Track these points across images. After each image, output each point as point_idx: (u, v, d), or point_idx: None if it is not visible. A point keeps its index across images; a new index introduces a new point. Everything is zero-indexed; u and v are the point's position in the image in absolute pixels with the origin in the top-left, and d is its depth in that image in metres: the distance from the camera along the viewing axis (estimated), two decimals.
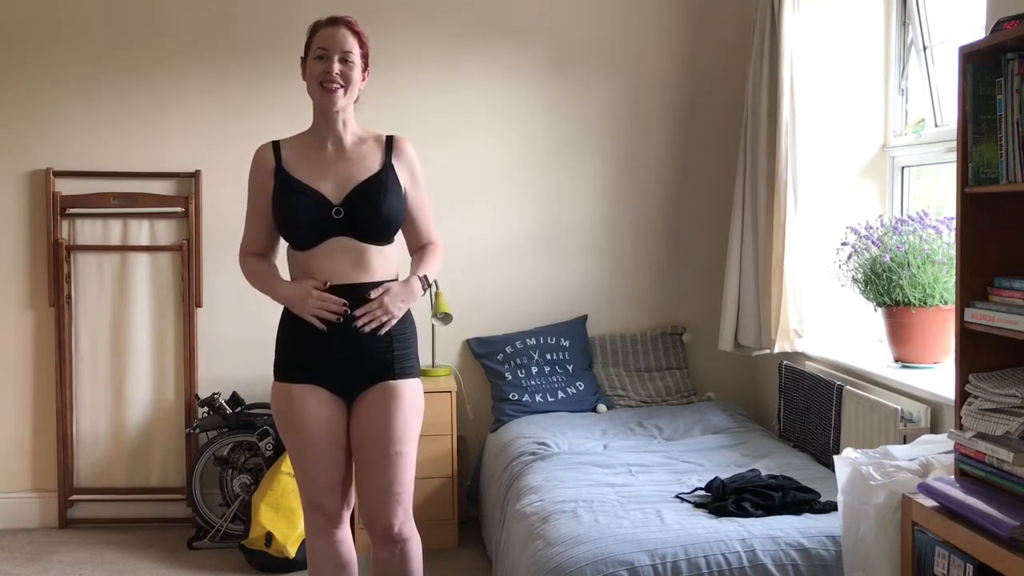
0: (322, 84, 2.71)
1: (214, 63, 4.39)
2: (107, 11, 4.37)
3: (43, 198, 4.37)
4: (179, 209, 4.41)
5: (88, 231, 4.40)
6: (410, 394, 2.77)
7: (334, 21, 2.75)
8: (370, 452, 2.75)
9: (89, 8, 4.36)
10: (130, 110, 4.39)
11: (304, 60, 2.78)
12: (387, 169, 2.77)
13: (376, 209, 2.71)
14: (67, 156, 4.38)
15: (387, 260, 2.78)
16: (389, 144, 2.82)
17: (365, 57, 2.77)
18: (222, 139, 4.42)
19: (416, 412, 2.80)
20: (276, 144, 2.82)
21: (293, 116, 4.22)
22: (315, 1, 4.33)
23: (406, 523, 2.79)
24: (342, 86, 2.71)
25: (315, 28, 2.78)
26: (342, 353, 2.72)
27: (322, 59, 2.71)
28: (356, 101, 2.80)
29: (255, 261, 2.85)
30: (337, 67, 2.70)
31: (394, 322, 2.72)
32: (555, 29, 4.50)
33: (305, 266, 2.74)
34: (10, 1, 4.34)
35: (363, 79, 2.79)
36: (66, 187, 4.39)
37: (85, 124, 4.38)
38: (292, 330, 2.78)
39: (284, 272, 2.86)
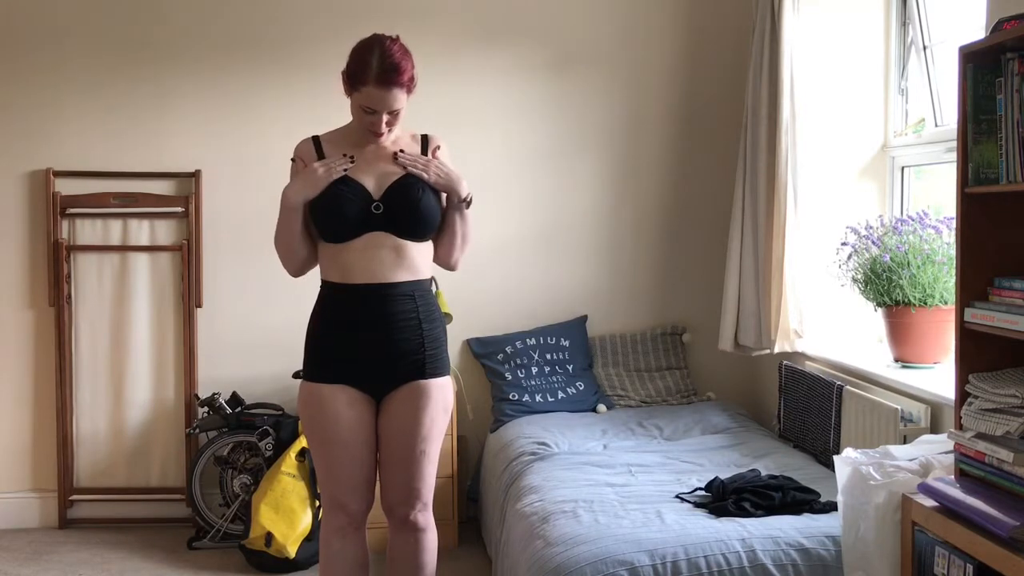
0: (370, 132, 2.73)
1: (214, 63, 4.39)
2: (107, 11, 4.36)
3: (43, 198, 4.37)
4: (179, 209, 4.41)
5: (88, 231, 4.40)
6: (438, 392, 2.81)
7: (384, 81, 2.62)
8: (396, 449, 2.79)
9: (89, 8, 4.36)
10: (130, 110, 4.39)
11: (347, 79, 2.69)
12: None
13: (415, 205, 2.73)
14: (67, 156, 4.38)
15: (423, 258, 2.81)
16: (424, 143, 2.85)
17: (412, 88, 2.72)
18: (222, 139, 4.42)
19: (444, 409, 2.83)
20: (316, 140, 2.82)
21: (294, 115, 4.27)
22: (315, 2, 4.36)
23: (423, 514, 2.86)
24: (388, 132, 2.73)
25: (363, 72, 2.62)
26: (374, 353, 2.74)
27: (370, 113, 2.69)
28: None
29: None
30: (385, 119, 2.69)
31: (423, 175, 2.74)
32: (555, 29, 4.50)
33: (340, 261, 2.74)
34: (10, 1, 4.34)
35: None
36: (66, 187, 4.39)
37: (85, 124, 4.38)
38: (324, 330, 2.79)
39: (311, 280, 2.87)
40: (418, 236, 2.78)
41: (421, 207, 2.74)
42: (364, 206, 2.71)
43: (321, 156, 2.78)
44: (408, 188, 2.74)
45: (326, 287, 2.81)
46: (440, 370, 2.82)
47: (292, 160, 2.82)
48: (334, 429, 2.76)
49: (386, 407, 2.80)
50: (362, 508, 2.85)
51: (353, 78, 2.67)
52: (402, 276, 2.75)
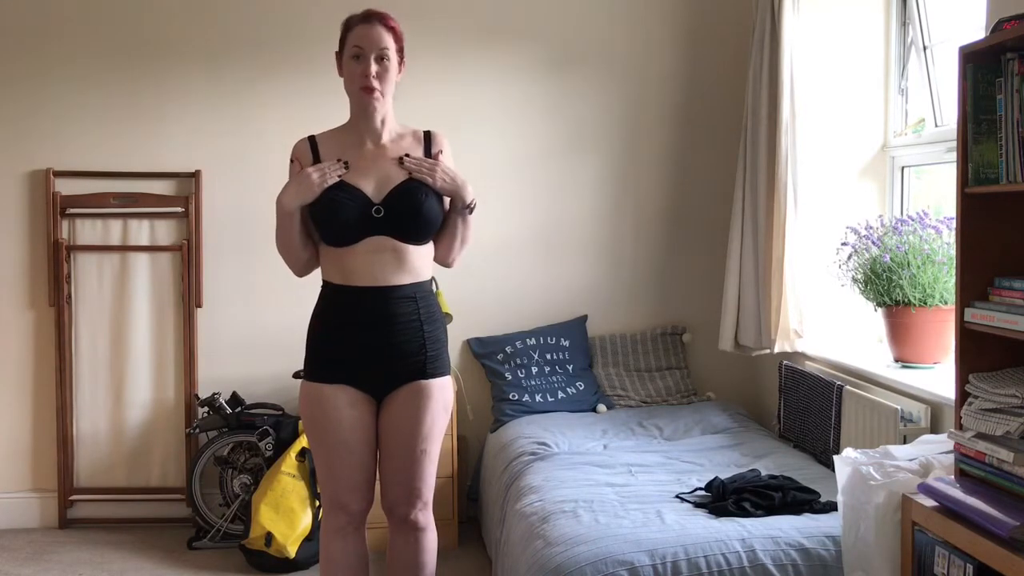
0: (361, 88, 2.70)
1: (214, 63, 4.39)
2: (107, 11, 4.37)
3: (43, 198, 4.37)
4: (179, 209, 4.41)
5: (88, 231, 4.40)
6: (439, 392, 2.80)
7: (368, 18, 2.71)
8: (396, 448, 2.79)
9: (89, 8, 4.36)
10: (130, 110, 4.39)
11: (339, 56, 2.76)
12: None
13: (417, 209, 2.71)
14: (67, 156, 4.38)
15: (424, 259, 2.80)
16: (427, 140, 2.82)
17: (401, 50, 2.75)
18: (222, 139, 4.42)
19: (444, 408, 2.83)
20: (312, 140, 2.80)
21: (294, 115, 4.27)
22: (315, 2, 4.35)
23: (424, 513, 2.85)
24: (379, 88, 2.70)
25: (349, 24, 2.74)
26: (375, 354, 2.74)
27: (358, 59, 2.69)
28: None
29: None
30: (374, 68, 2.68)
31: (428, 181, 2.72)
32: (555, 29, 4.50)
33: (341, 264, 2.74)
34: (10, 0, 4.34)
35: (399, 72, 2.77)
36: (66, 187, 4.39)
37: (85, 124, 4.38)
38: (326, 331, 2.78)
39: (312, 280, 2.88)
40: (420, 240, 2.77)
41: (424, 212, 2.72)
42: (364, 211, 2.69)
43: (317, 156, 2.76)
44: (411, 193, 2.72)
45: (327, 288, 2.80)
46: (441, 370, 2.81)
47: (292, 161, 2.81)
48: (335, 429, 2.75)
49: (387, 407, 2.79)
50: (362, 508, 2.85)
51: (342, 34, 2.73)
52: (403, 279, 2.74)
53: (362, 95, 2.71)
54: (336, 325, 2.76)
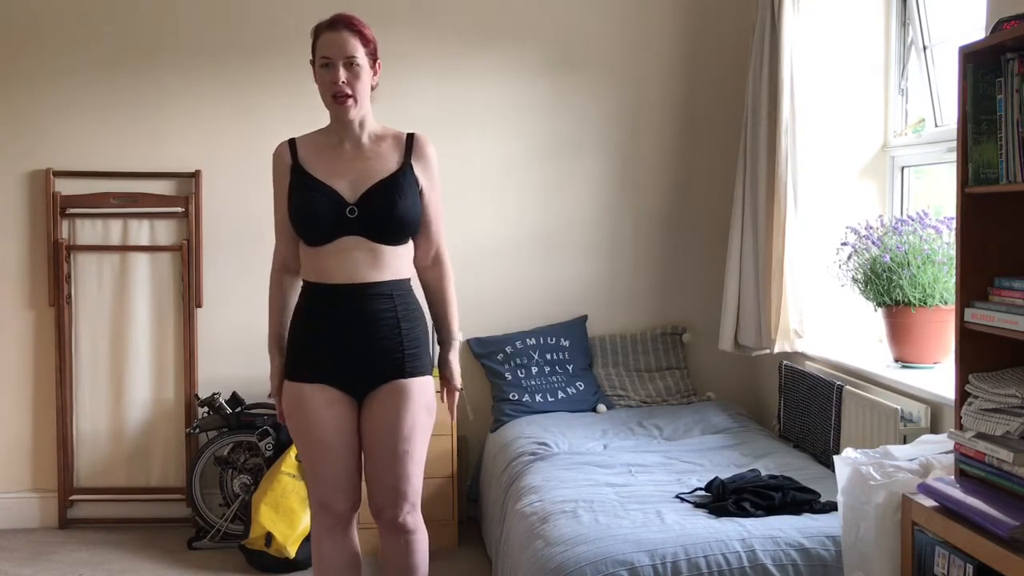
0: (332, 96, 2.68)
1: (214, 63, 4.39)
2: (107, 11, 4.37)
3: (43, 198, 4.38)
4: (179, 209, 4.41)
5: (88, 231, 4.40)
6: (419, 392, 2.77)
7: (334, 24, 2.68)
8: (378, 450, 2.76)
9: (89, 8, 4.36)
10: (130, 110, 4.39)
11: (313, 64, 2.74)
12: (405, 169, 2.75)
13: (391, 210, 2.70)
14: (67, 156, 4.38)
15: (401, 259, 2.77)
16: (409, 143, 2.79)
17: (373, 53, 2.73)
18: (222, 139, 4.42)
19: (426, 408, 2.80)
20: (292, 142, 2.80)
21: (294, 115, 4.25)
22: (316, 2, 4.35)
23: (412, 515, 2.82)
24: (351, 95, 2.68)
25: (317, 32, 2.72)
26: (352, 353, 2.72)
27: (327, 67, 2.67)
28: (372, 93, 2.77)
29: (279, 286, 2.87)
30: (343, 75, 2.65)
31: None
32: (555, 29, 4.50)
33: (317, 264, 2.73)
34: (10, 1, 4.34)
35: (375, 74, 2.75)
36: (66, 187, 4.39)
37: (85, 124, 4.38)
38: (304, 330, 2.78)
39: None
40: (395, 241, 2.74)
41: (398, 213, 2.70)
42: (337, 211, 2.68)
43: (296, 158, 2.76)
44: (385, 193, 2.70)
45: (306, 287, 2.79)
46: (420, 369, 2.78)
47: (273, 164, 2.82)
48: (316, 429, 2.74)
49: (367, 407, 2.77)
50: (348, 508, 2.83)
51: (312, 42, 2.71)
52: (379, 276, 2.72)
53: (334, 103, 2.70)
54: (314, 323, 2.75)
